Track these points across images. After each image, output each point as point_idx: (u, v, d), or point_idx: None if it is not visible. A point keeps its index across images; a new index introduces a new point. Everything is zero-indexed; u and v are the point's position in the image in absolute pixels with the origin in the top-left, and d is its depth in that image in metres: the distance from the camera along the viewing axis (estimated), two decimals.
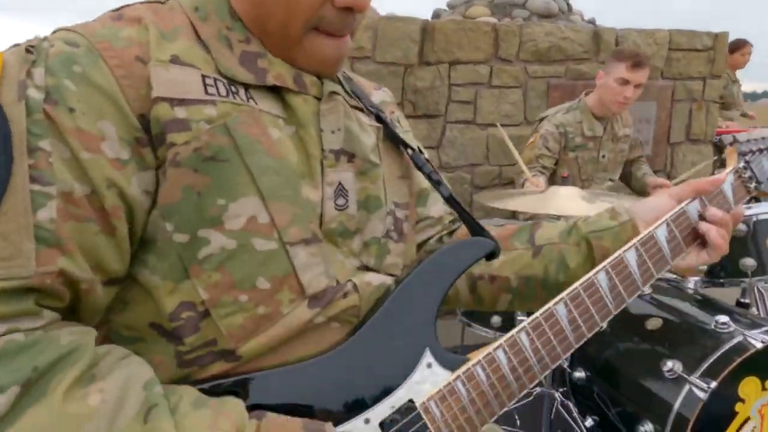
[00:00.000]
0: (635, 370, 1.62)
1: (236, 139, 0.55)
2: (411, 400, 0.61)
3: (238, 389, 0.56)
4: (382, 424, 0.59)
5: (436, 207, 0.85)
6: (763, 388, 1.43)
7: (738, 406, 1.42)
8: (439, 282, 0.66)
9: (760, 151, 0.88)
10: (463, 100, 2.92)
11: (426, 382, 0.62)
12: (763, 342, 1.35)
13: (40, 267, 0.47)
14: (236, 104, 0.57)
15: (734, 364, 1.34)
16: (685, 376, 1.40)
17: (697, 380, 1.36)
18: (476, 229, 0.74)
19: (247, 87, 0.59)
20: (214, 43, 0.59)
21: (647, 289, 1.80)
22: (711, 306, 1.66)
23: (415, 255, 0.80)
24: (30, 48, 0.51)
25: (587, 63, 3.15)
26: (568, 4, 3.94)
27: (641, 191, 2.58)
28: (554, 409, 1.90)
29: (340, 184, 0.64)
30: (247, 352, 0.57)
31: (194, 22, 0.59)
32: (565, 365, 1.87)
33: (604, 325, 0.72)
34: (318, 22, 0.59)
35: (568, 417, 1.88)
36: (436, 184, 0.75)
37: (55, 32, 0.55)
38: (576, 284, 0.69)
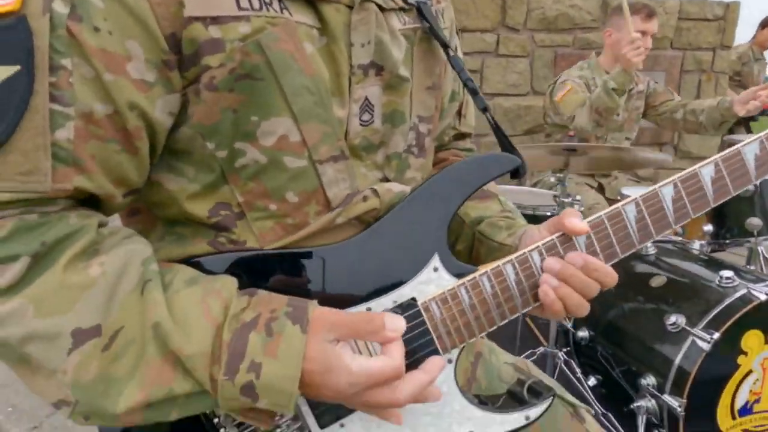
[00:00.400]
0: (639, 327, 1.63)
1: (270, 57, 0.54)
2: (414, 298, 0.62)
3: (241, 268, 0.58)
4: None
5: (444, 122, 0.83)
6: (767, 341, 1.43)
7: (741, 359, 1.43)
8: (458, 190, 0.65)
9: None
10: (470, 68, 2.89)
11: (431, 283, 0.63)
12: (767, 294, 1.35)
13: (56, 184, 0.48)
14: (270, 18, 0.54)
15: (737, 315, 1.34)
16: (689, 328, 1.41)
17: (701, 332, 1.37)
18: (506, 146, 0.72)
19: None
20: None
21: (652, 249, 1.80)
22: (716, 264, 1.66)
23: (430, 168, 0.79)
24: None
25: (595, 32, 3.12)
26: None
27: (724, 119, 2.32)
28: (557, 369, 1.92)
29: (366, 99, 0.63)
30: (272, 248, 0.60)
31: None
32: (569, 325, 1.89)
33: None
34: None
35: (571, 377, 1.90)
36: (473, 92, 0.73)
37: None
38: (601, 213, 0.68)
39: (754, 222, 1.73)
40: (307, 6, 0.58)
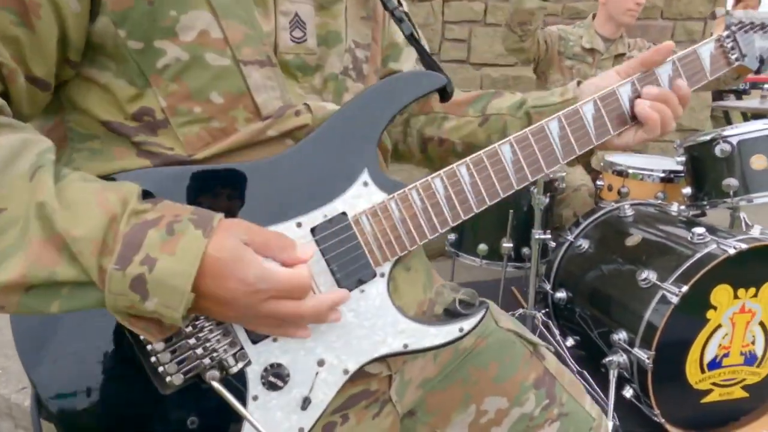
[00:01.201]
0: (613, 286, 1.66)
1: None
2: (344, 212, 0.63)
3: (165, 183, 0.58)
4: (313, 230, 0.62)
5: (408, 64, 0.85)
6: (735, 296, 1.46)
7: (710, 314, 1.45)
8: (387, 105, 0.66)
9: (753, 27, 0.84)
10: (457, 38, 2.89)
11: (361, 197, 0.64)
12: (735, 248, 1.37)
13: None
14: None
15: (706, 269, 1.36)
16: (659, 283, 1.43)
17: (670, 286, 1.39)
18: (433, 67, 0.74)
19: None
20: None
21: (630, 211, 1.82)
22: (690, 223, 1.67)
23: None
24: None
25: (584, 1, 3.09)
26: None
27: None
28: (537, 332, 1.95)
29: (296, 14, 0.64)
30: (201, 157, 0.59)
31: None
32: (548, 287, 1.91)
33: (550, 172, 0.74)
34: None
35: (549, 337, 1.93)
36: (398, 21, 0.75)
37: None
38: (526, 130, 0.71)
39: (731, 182, 1.74)
40: None
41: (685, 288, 1.36)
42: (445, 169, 0.67)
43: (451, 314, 0.74)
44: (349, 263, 0.63)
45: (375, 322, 0.65)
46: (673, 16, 3.29)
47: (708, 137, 1.79)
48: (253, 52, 0.60)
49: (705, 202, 1.85)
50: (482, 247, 2.08)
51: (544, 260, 2.02)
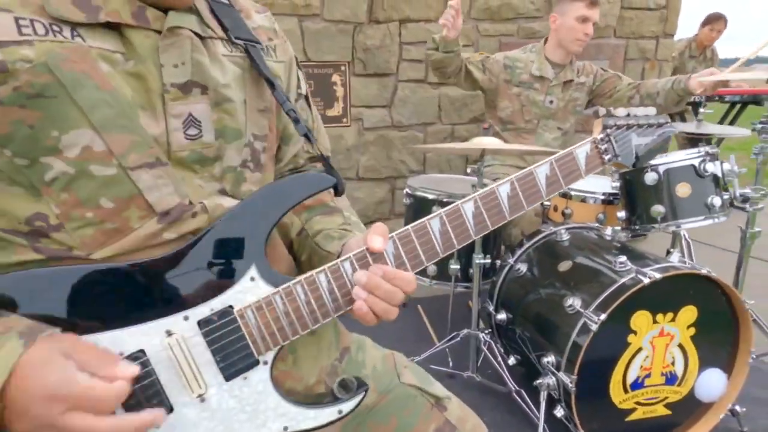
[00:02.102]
0: (546, 310, 1.74)
1: (60, 77, 0.59)
2: (230, 306, 0.68)
3: (59, 282, 0.62)
4: (199, 323, 0.67)
5: (296, 147, 0.90)
6: (654, 321, 1.54)
7: (630, 338, 1.54)
8: (276, 206, 0.72)
9: (630, 127, 0.91)
10: (414, 58, 2.95)
11: (248, 292, 0.69)
12: (650, 278, 1.46)
13: None
14: (59, 42, 0.60)
15: (623, 297, 1.45)
16: (581, 310, 1.52)
17: (590, 314, 1.48)
18: (327, 167, 0.81)
19: (74, 25, 0.62)
20: None
21: (566, 236, 1.90)
22: (621, 248, 1.76)
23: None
24: None
25: (539, 21, 3.18)
26: None
27: (681, 98, 2.40)
28: (481, 350, 2.03)
29: (190, 114, 0.68)
30: (100, 257, 0.64)
31: None
32: (491, 308, 1.99)
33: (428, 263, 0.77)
34: None
35: (491, 358, 2.01)
36: (295, 121, 0.80)
37: None
38: (408, 226, 0.75)
39: (659, 209, 1.83)
40: (112, 33, 0.64)
41: (603, 316, 1.44)
42: (329, 264, 0.72)
43: (333, 396, 0.79)
44: (233, 353, 0.68)
45: (257, 407, 0.69)
46: (626, 35, 3.40)
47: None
48: (140, 156, 0.64)
49: (637, 227, 1.93)
50: (431, 268, 2.15)
51: (487, 281, 2.09)
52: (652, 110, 0.93)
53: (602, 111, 0.95)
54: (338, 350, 0.91)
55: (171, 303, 0.66)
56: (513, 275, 1.93)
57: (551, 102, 2.55)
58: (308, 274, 0.71)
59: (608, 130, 0.89)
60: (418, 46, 2.95)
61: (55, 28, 0.61)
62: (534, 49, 2.56)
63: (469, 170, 1.85)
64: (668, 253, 2.41)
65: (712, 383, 1.65)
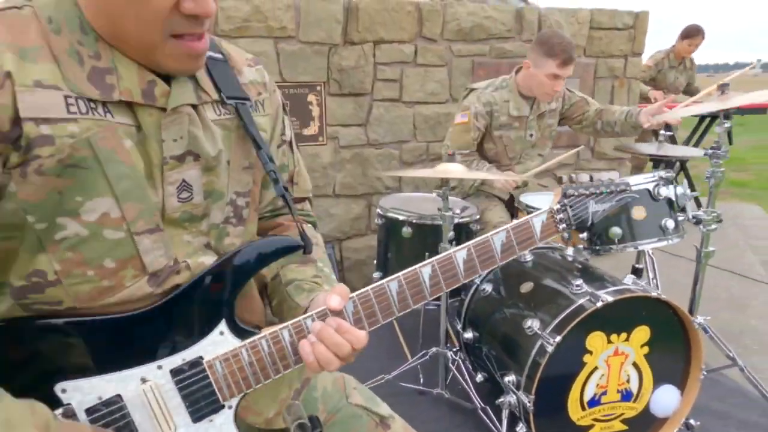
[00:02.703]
0: (508, 330, 1.81)
1: (97, 152, 0.66)
2: (200, 357, 0.76)
3: (48, 332, 0.69)
4: (172, 371, 0.75)
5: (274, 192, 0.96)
6: (609, 341, 1.62)
7: (586, 357, 1.61)
8: (246, 268, 0.81)
9: (588, 196, 0.94)
10: (389, 78, 3.02)
11: (217, 345, 0.77)
12: (603, 302, 1.53)
13: None
14: (96, 120, 0.67)
15: (576, 320, 1.52)
16: (539, 332, 1.58)
17: (547, 335, 1.54)
18: (299, 229, 0.88)
19: (104, 103, 0.68)
20: (65, 59, 0.65)
21: (529, 257, 1.97)
22: (578, 270, 1.83)
23: (254, 232, 0.92)
24: None
25: (511, 41, 3.27)
26: None
27: (635, 128, 2.49)
28: (450, 367, 2.09)
29: (183, 180, 0.75)
30: (86, 310, 0.71)
31: (48, 35, 0.65)
32: (459, 326, 2.05)
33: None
34: (172, 29, 0.67)
35: (458, 375, 2.07)
36: (274, 182, 0.86)
37: None
38: (368, 288, 0.82)
39: (616, 231, 1.91)
40: (127, 109, 0.70)
41: (558, 338, 1.51)
42: (293, 321, 0.80)
43: None
44: (201, 399, 0.76)
45: None
46: (595, 54, 3.51)
47: None
48: (145, 222, 0.72)
49: (598, 247, 2.01)
50: None
51: (456, 299, 2.16)
52: (615, 174, 0.98)
53: (565, 178, 1.00)
54: (300, 381, 0.98)
55: (147, 353, 0.73)
56: (479, 295, 1.99)
57: (531, 135, 2.58)
58: (273, 329, 0.79)
59: (566, 200, 0.93)
60: (392, 66, 3.02)
61: (92, 105, 0.67)
62: (506, 85, 2.50)
63: (434, 194, 1.91)
64: (633, 269, 2.52)
65: (665, 399, 1.73)
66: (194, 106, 0.76)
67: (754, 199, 6.19)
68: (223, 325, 0.78)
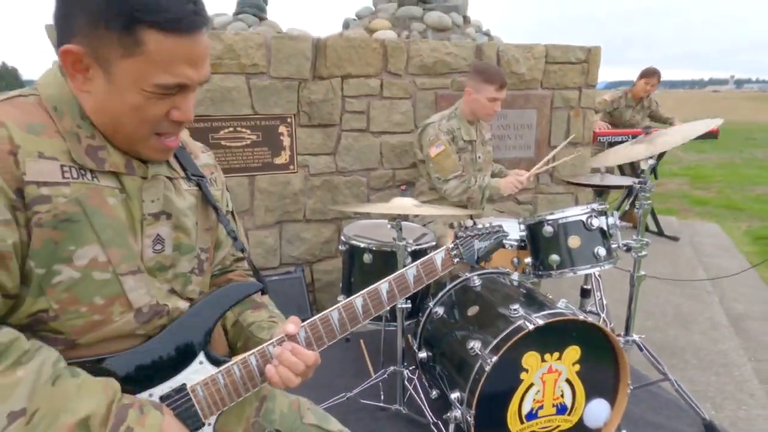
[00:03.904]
0: (456, 350, 1.97)
1: (85, 208, 0.83)
2: (184, 384, 0.94)
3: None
4: (161, 397, 0.92)
5: (224, 252, 1.17)
6: (543, 360, 1.79)
7: (523, 375, 1.78)
8: (215, 308, 1.00)
9: (474, 236, 1.28)
10: (356, 110, 3.20)
11: (197, 373, 0.95)
12: (534, 324, 1.71)
13: None
14: (85, 183, 0.84)
15: (511, 341, 1.69)
16: (480, 352, 1.75)
17: (486, 355, 1.71)
18: (255, 273, 1.10)
19: (92, 170, 0.86)
20: (68, 137, 0.84)
21: (478, 281, 2.15)
22: (520, 294, 2.01)
23: (208, 283, 1.11)
24: None
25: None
26: (464, 17, 4.27)
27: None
28: (407, 385, 2.24)
29: (158, 235, 0.94)
30: (84, 342, 0.87)
31: (54, 117, 0.84)
32: (414, 346, 2.21)
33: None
34: (158, 129, 0.87)
35: (413, 392, 2.22)
36: (233, 239, 1.09)
37: None
38: (316, 317, 1.04)
39: (554, 258, 2.10)
40: (113, 174, 0.89)
41: (495, 358, 1.68)
42: (258, 348, 0.99)
43: None
44: (186, 419, 0.93)
45: None
46: (551, 86, 3.75)
47: (537, 219, 2.16)
48: (128, 266, 0.89)
49: (541, 272, 2.20)
50: None
51: (413, 320, 2.32)
52: (494, 220, 1.31)
53: (456, 224, 1.30)
54: (258, 399, 1.14)
55: (140, 383, 0.90)
56: (433, 317, 2.16)
57: (479, 158, 2.89)
58: (242, 356, 0.98)
59: (457, 240, 1.24)
60: (359, 99, 3.20)
61: (82, 172, 0.85)
62: (455, 115, 2.85)
63: (389, 226, 2.08)
64: (582, 291, 2.71)
65: (597, 412, 1.91)
66: (170, 179, 0.97)
67: (714, 217, 6.49)
68: (201, 356, 0.96)
